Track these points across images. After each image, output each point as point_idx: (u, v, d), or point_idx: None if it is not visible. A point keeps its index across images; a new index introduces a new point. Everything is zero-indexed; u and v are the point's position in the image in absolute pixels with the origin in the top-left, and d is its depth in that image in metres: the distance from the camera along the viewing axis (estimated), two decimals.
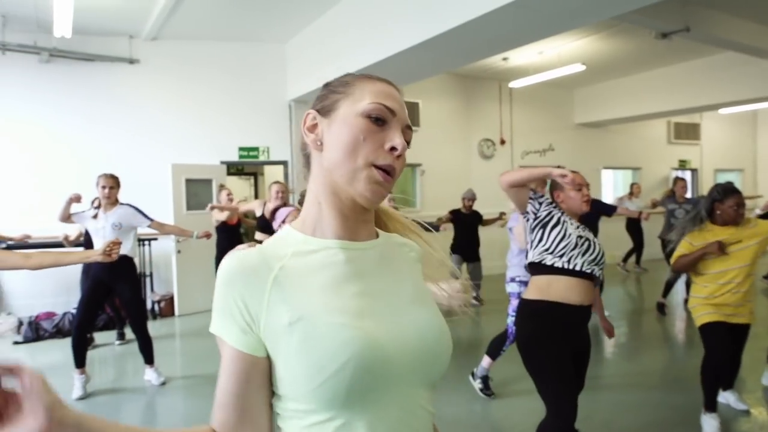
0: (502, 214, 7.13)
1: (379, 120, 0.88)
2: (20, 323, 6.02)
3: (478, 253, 6.93)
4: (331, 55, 6.45)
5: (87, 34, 6.65)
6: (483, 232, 7.12)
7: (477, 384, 3.95)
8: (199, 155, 7.21)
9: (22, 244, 5.61)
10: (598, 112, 10.77)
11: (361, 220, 0.91)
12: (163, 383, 4.31)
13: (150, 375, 4.37)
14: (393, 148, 0.88)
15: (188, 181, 6.97)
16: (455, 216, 6.95)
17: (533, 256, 2.49)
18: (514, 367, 2.60)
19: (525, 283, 3.80)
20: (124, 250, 4.00)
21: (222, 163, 7.42)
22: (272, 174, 9.24)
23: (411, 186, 9.37)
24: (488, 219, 7.12)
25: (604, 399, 3.89)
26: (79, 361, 4.11)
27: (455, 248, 6.90)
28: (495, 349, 3.95)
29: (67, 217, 4.40)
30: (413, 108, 8.89)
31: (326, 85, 0.95)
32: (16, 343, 5.74)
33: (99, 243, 4.20)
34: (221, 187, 6.56)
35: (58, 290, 5.96)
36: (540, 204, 2.52)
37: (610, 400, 3.88)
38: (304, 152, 0.96)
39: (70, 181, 5.74)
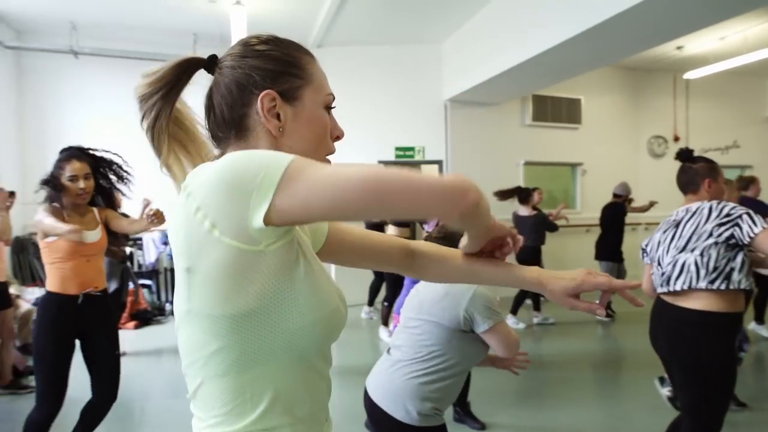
0: (653, 203, 6.68)
1: (329, 109, 0.93)
2: None
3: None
4: (487, 53, 6.38)
5: None
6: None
7: (665, 391, 3.63)
8: (357, 155, 7.55)
9: None
10: None
11: None
12: None
13: None
14: (338, 137, 0.95)
15: None
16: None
17: (740, 282, 2.20)
18: None
19: None
20: None
21: (379, 162, 7.70)
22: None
23: (571, 186, 8.94)
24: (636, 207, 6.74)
25: None
26: None
27: (606, 252, 6.45)
28: None
29: None
30: (575, 105, 8.47)
31: (271, 57, 0.89)
32: None
33: None
34: None
35: None
36: None
37: None
38: (233, 119, 0.88)
39: None
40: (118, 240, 3.11)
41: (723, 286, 2.19)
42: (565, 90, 8.31)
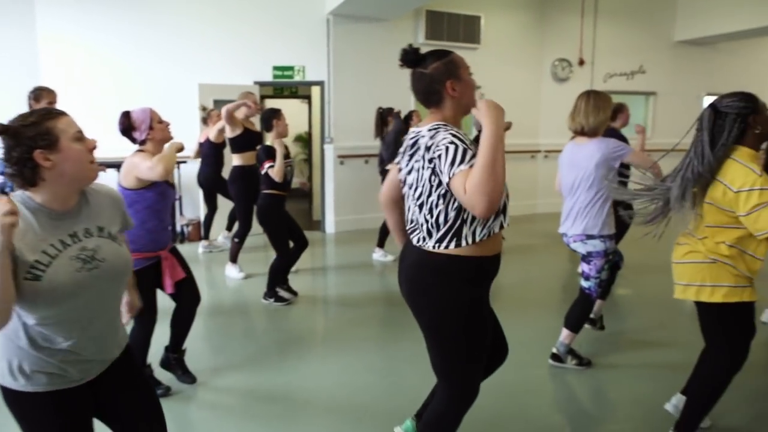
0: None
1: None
2: None
3: None
4: None
5: None
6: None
7: None
8: (230, 75, 6.80)
9: None
10: (704, 26, 9.03)
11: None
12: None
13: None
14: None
15: (216, 102, 6.61)
16: None
17: (475, 234, 1.76)
18: None
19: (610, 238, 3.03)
20: None
21: (255, 83, 6.97)
22: (314, 95, 8.65)
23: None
24: None
25: None
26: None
27: None
28: None
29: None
30: (473, 22, 7.86)
31: None
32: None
33: None
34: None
35: None
36: None
37: None
38: None
39: (106, 99, 6.14)
40: None
41: (453, 245, 1.73)
42: (463, 5, 7.69)
